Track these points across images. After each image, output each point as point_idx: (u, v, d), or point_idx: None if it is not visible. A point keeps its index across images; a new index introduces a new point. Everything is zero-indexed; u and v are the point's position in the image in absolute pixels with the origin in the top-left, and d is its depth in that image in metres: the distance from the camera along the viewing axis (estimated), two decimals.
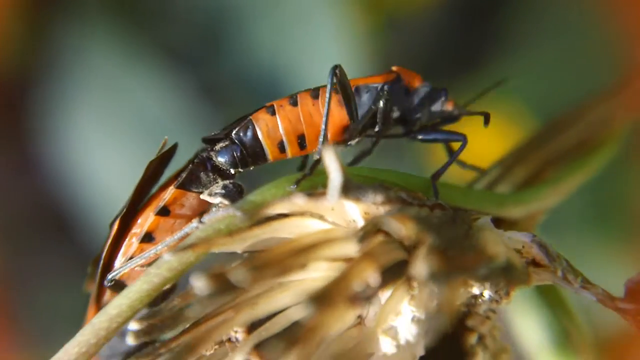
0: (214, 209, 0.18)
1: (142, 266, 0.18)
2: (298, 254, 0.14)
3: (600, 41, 0.55)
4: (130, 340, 0.16)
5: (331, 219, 0.17)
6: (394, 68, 0.21)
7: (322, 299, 0.12)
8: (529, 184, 0.23)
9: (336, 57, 0.49)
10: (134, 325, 0.16)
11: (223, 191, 0.19)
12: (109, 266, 0.19)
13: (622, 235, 0.50)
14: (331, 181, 0.15)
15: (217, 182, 0.19)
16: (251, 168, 0.20)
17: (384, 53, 0.52)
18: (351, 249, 0.16)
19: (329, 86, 0.18)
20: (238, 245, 0.17)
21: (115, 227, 0.19)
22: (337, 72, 0.18)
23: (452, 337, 0.16)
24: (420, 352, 0.15)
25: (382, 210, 0.16)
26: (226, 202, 0.18)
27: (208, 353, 0.16)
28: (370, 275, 0.13)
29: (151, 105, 0.53)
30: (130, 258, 0.19)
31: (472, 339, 0.17)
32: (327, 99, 0.18)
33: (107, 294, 0.19)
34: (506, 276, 0.13)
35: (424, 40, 0.58)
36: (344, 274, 0.13)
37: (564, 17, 0.56)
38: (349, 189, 0.15)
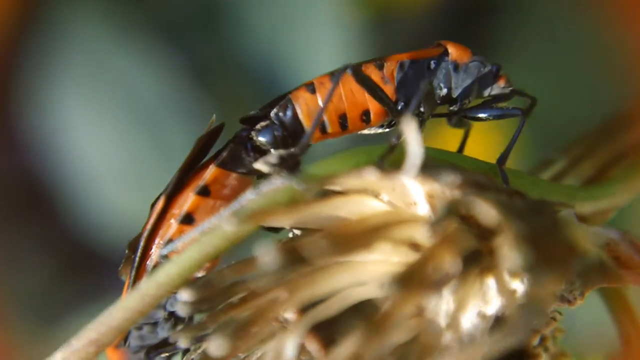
0: (271, 178, 0.17)
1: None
2: (369, 233, 0.13)
3: (592, 51, 0.53)
4: (180, 312, 0.15)
5: (390, 198, 0.16)
6: (442, 42, 0.19)
7: (404, 282, 0.11)
8: (597, 178, 0.21)
9: (332, 47, 0.49)
10: (185, 295, 0.15)
11: (279, 160, 0.18)
12: (147, 249, 0.18)
13: None
14: (411, 155, 0.13)
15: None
16: (291, 149, 0.19)
17: (376, 47, 0.51)
18: (419, 233, 0.15)
19: (334, 83, 0.17)
20: (295, 218, 0.16)
21: (159, 206, 0.18)
22: (348, 71, 0.17)
23: None
24: (484, 350, 0.14)
25: (449, 194, 0.15)
26: (282, 170, 0.17)
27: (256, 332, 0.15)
28: (450, 262, 0.12)
29: (140, 85, 0.52)
30: (170, 240, 0.18)
31: (535, 340, 0.16)
32: (326, 97, 0.18)
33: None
34: (599, 274, 0.12)
35: (414, 39, 0.57)
36: (426, 258, 0.12)
37: (556, 26, 0.55)
38: (427, 166, 0.14)
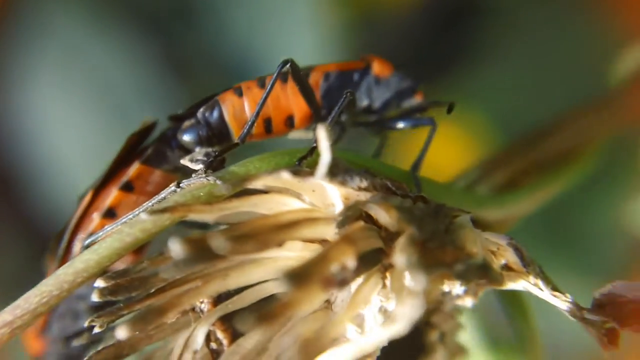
0: (194, 175, 0.18)
1: None
2: (278, 230, 0.14)
3: (574, 52, 0.55)
4: (95, 297, 0.15)
5: (310, 199, 0.17)
6: (367, 56, 0.21)
7: (299, 276, 0.12)
8: (507, 188, 0.23)
9: (308, 47, 0.49)
10: (100, 282, 0.15)
11: (205, 158, 0.18)
12: (71, 241, 0.18)
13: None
14: (321, 159, 0.14)
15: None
16: (215, 148, 0.20)
17: (355, 48, 0.52)
18: (329, 231, 0.16)
19: (272, 78, 0.18)
20: (215, 214, 0.17)
21: (86, 200, 0.18)
22: (288, 67, 0.18)
23: (414, 331, 0.16)
24: (384, 342, 0.15)
25: (363, 196, 0.16)
26: (206, 167, 0.18)
27: (171, 320, 0.16)
28: (348, 259, 0.13)
29: (114, 74, 0.51)
30: (91, 234, 0.18)
31: (434, 335, 0.17)
32: (265, 92, 0.18)
33: None
34: (481, 275, 0.13)
35: (396, 40, 0.58)
36: (322, 255, 0.13)
37: (536, 33, 0.56)
38: (337, 170, 0.15)
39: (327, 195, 0.17)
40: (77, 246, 0.18)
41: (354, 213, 0.14)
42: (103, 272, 0.16)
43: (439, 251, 0.13)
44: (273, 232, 0.14)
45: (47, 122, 0.52)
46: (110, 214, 0.18)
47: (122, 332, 0.13)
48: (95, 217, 0.18)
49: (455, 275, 0.13)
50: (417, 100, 0.20)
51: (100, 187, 0.19)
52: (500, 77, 0.55)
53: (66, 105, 0.52)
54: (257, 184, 0.16)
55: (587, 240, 0.51)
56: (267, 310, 0.12)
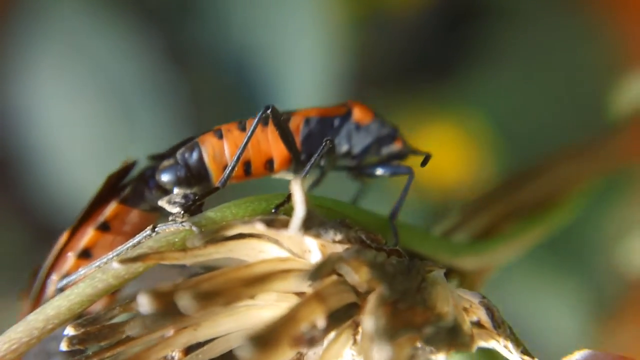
0: (170, 218, 0.18)
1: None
2: (249, 284, 0.14)
3: (579, 55, 0.56)
4: (64, 346, 0.15)
5: (287, 245, 0.17)
6: (349, 102, 0.21)
7: (266, 339, 0.12)
8: (487, 234, 0.23)
9: (312, 43, 0.49)
10: (70, 330, 0.15)
11: (183, 201, 0.18)
12: (45, 280, 0.18)
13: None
14: (295, 214, 0.15)
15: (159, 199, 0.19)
16: (193, 189, 0.20)
17: (358, 47, 0.52)
18: (303, 284, 0.16)
19: (253, 124, 0.18)
20: (190, 260, 0.17)
21: (62, 239, 0.18)
22: (269, 112, 0.18)
23: None
24: None
25: (339, 247, 0.16)
26: (184, 211, 0.18)
27: None
28: (318, 318, 0.13)
29: (114, 65, 0.52)
30: (66, 274, 0.18)
31: None
32: (246, 137, 0.18)
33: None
34: (451, 339, 0.13)
35: (401, 41, 0.58)
36: (291, 315, 0.13)
37: (540, 37, 0.57)
38: (312, 223, 0.15)
39: (303, 242, 0.17)
40: (51, 286, 0.18)
41: (326, 268, 0.14)
42: (75, 318, 0.16)
43: (408, 312, 0.13)
44: (244, 286, 0.14)
45: (48, 112, 0.52)
46: (86, 255, 0.18)
47: None
48: (70, 257, 0.18)
49: (424, 340, 0.13)
50: (396, 147, 0.21)
51: (77, 227, 0.18)
52: (502, 80, 0.56)
53: (67, 97, 0.52)
54: (232, 232, 0.16)
55: (580, 277, 0.51)
56: None
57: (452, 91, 0.56)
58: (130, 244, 0.17)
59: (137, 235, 0.17)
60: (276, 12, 0.51)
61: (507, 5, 0.59)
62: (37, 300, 0.18)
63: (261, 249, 0.17)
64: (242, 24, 0.52)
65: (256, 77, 0.51)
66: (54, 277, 0.18)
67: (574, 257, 0.51)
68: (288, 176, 0.21)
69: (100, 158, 0.52)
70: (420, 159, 0.20)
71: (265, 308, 0.17)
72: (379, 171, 0.20)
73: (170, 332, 0.16)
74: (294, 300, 0.17)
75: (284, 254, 0.17)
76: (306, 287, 0.16)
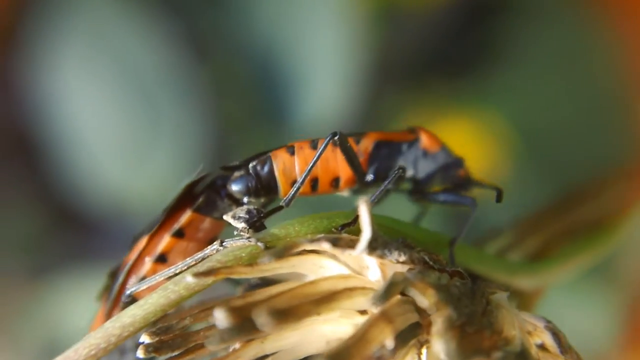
0: (235, 233, 0.19)
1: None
2: (319, 303, 0.14)
3: (597, 53, 0.55)
4: (140, 354, 0.16)
5: (346, 261, 0.18)
6: (417, 129, 0.21)
7: (341, 357, 0.12)
8: (541, 254, 0.23)
9: (332, 37, 0.50)
10: (145, 338, 0.16)
11: (247, 216, 0.19)
12: (125, 282, 0.19)
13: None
14: (362, 236, 0.15)
15: (231, 208, 0.20)
16: (262, 200, 0.21)
17: (377, 43, 0.52)
18: (366, 303, 0.16)
19: (319, 150, 0.19)
20: (256, 275, 0.17)
21: (142, 244, 0.19)
22: (335, 139, 0.19)
23: None
24: None
25: (399, 265, 0.17)
26: (248, 227, 0.19)
27: None
28: (387, 339, 0.14)
29: (138, 54, 0.53)
30: (143, 277, 0.19)
31: None
32: (312, 162, 0.19)
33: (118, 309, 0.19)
34: None
35: (419, 37, 0.58)
36: (361, 335, 0.13)
37: (557, 38, 0.56)
38: (377, 244, 0.15)
39: (362, 259, 0.17)
40: (129, 288, 0.19)
41: (392, 290, 0.14)
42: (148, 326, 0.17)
43: (476, 336, 0.13)
44: (314, 304, 0.14)
45: (73, 98, 0.53)
46: (162, 259, 0.19)
47: None
48: (148, 262, 0.19)
49: None
50: (461, 177, 0.21)
51: (154, 233, 0.19)
52: (519, 78, 0.55)
53: (92, 84, 0.53)
54: (297, 249, 0.17)
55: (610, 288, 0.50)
56: None
57: (470, 88, 0.56)
58: (199, 256, 0.18)
59: (206, 249, 0.18)
60: (299, 5, 0.51)
61: (526, 3, 0.59)
62: (117, 301, 0.19)
63: (321, 264, 0.18)
64: (265, 16, 0.52)
65: (278, 69, 0.52)
66: (134, 278, 0.19)
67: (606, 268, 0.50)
68: (347, 193, 0.22)
69: (121, 145, 0.53)
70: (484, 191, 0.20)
71: (326, 322, 0.17)
72: (442, 199, 0.20)
73: (237, 344, 0.17)
74: (355, 317, 0.17)
75: (343, 269, 0.18)
76: (369, 305, 0.17)
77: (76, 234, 0.60)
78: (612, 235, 0.25)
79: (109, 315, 0.20)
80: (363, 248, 0.15)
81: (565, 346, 0.14)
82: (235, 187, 0.20)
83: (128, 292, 0.19)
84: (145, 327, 0.17)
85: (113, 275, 0.20)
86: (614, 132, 0.55)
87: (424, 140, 0.21)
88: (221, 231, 0.21)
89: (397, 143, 0.21)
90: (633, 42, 0.56)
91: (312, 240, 0.16)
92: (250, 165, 0.20)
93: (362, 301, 0.16)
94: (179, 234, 0.19)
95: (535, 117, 0.54)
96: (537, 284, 0.21)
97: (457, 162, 0.21)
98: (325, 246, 0.16)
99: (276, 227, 0.18)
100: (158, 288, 0.17)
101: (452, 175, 0.21)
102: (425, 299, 0.14)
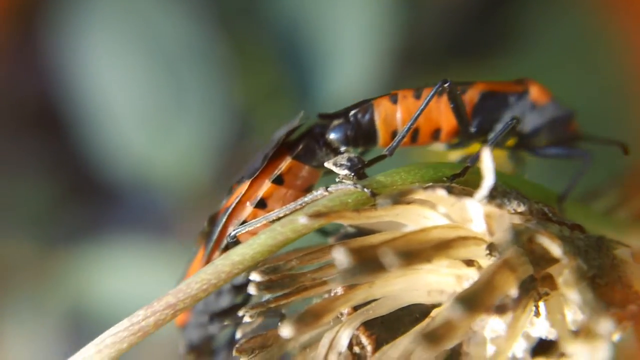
0: (337, 179, 0.18)
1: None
2: (439, 248, 0.14)
3: (606, 57, 0.53)
4: (252, 291, 0.16)
5: (448, 212, 0.17)
6: (526, 80, 0.20)
7: (469, 302, 0.12)
8: None
9: (355, 18, 0.49)
10: (257, 276, 0.16)
11: (349, 163, 0.19)
12: (226, 226, 0.19)
13: None
14: (484, 183, 0.15)
15: (329, 157, 0.20)
16: (359, 149, 0.20)
17: (400, 26, 0.51)
18: (479, 252, 0.16)
19: (427, 98, 0.18)
20: (361, 221, 0.17)
21: (243, 189, 0.19)
22: (445, 86, 0.18)
23: None
24: None
25: (506, 219, 0.16)
26: (351, 174, 0.18)
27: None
28: (511, 287, 0.13)
29: (163, 27, 0.53)
30: (244, 222, 0.19)
31: None
32: (422, 106, 0.18)
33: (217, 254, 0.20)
34: None
35: (440, 21, 0.57)
36: (488, 281, 0.13)
37: (578, 26, 0.54)
38: (496, 193, 0.15)
39: (465, 211, 0.17)
40: (230, 230, 0.20)
41: (518, 239, 0.14)
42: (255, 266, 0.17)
43: (608, 289, 0.13)
44: (433, 250, 0.14)
45: (97, 69, 0.54)
46: (262, 205, 0.19)
47: (286, 331, 0.14)
48: (249, 207, 0.19)
49: (628, 315, 0.12)
50: (571, 130, 0.20)
51: (255, 179, 0.20)
52: (538, 65, 0.53)
53: (117, 55, 0.54)
54: (408, 197, 0.17)
55: None
56: (431, 329, 0.12)
57: (487, 72, 0.53)
58: (304, 200, 0.18)
59: (311, 196, 0.18)
60: None
61: None
62: (217, 244, 0.20)
63: (425, 214, 0.17)
64: (295, 2, 0.51)
65: (302, 45, 0.51)
66: (235, 221, 0.19)
67: None
68: (442, 148, 0.21)
69: (145, 117, 0.54)
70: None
71: (431, 272, 0.17)
72: (554, 152, 0.20)
73: (340, 289, 0.17)
74: (461, 268, 0.17)
75: (444, 221, 0.17)
76: (477, 256, 0.16)
77: (98, 204, 0.61)
78: None
79: (209, 258, 0.20)
80: (485, 195, 0.14)
81: None
82: (334, 135, 0.20)
83: (233, 233, 0.19)
84: (252, 266, 0.17)
85: (212, 221, 0.20)
86: (628, 123, 0.53)
87: (533, 91, 0.20)
88: (318, 180, 0.21)
89: (505, 94, 0.20)
90: None
91: (426, 188, 0.16)
92: (351, 113, 0.20)
93: (476, 250, 0.16)
94: (279, 181, 0.19)
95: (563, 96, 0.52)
96: None
97: (567, 115, 0.20)
98: (441, 193, 0.15)
99: (382, 175, 0.18)
100: (266, 229, 0.17)
101: (562, 129, 0.20)
102: (556, 246, 0.14)
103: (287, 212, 0.18)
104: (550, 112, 0.20)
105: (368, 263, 0.13)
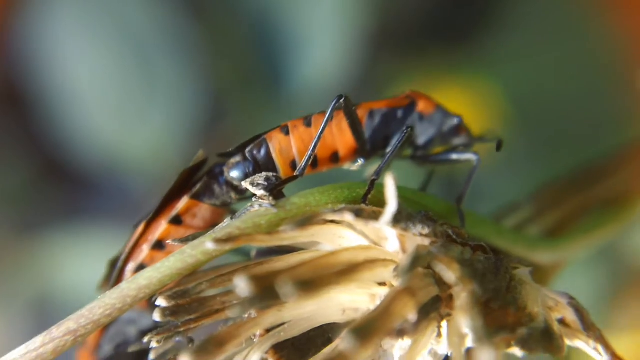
0: (254, 199, 0.18)
1: None
2: (342, 274, 0.14)
3: (585, 37, 0.55)
4: (157, 317, 0.16)
5: (364, 231, 0.17)
6: (410, 93, 0.21)
7: (363, 332, 0.12)
8: (558, 230, 0.23)
9: (331, 2, 0.49)
10: (162, 302, 0.16)
11: (265, 183, 0.19)
12: (122, 269, 0.19)
13: None
14: (387, 209, 0.15)
15: (229, 195, 0.20)
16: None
17: (377, 8, 0.51)
18: (387, 275, 0.16)
19: (328, 112, 0.19)
20: (274, 243, 0.17)
21: (139, 231, 0.19)
22: (341, 101, 0.19)
23: None
24: None
25: (418, 238, 0.16)
26: (267, 194, 0.18)
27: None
28: (410, 312, 0.13)
29: (134, 12, 0.52)
30: (141, 265, 0.19)
31: None
32: (322, 126, 0.19)
33: None
34: (545, 341, 0.13)
35: (418, 3, 0.58)
36: (385, 308, 0.13)
37: (555, 8, 0.56)
38: (401, 217, 0.15)
39: (381, 230, 0.17)
40: (128, 274, 0.19)
41: (417, 265, 0.14)
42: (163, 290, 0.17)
43: (501, 312, 0.13)
44: (335, 276, 0.14)
45: (67, 52, 0.53)
46: (159, 246, 0.19)
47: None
48: (145, 249, 0.19)
49: (518, 342, 0.13)
50: (461, 135, 0.20)
51: (151, 220, 0.19)
52: (515, 47, 0.55)
53: (85, 39, 0.53)
54: (318, 218, 0.17)
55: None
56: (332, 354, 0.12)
57: (465, 55, 0.55)
58: (220, 227, 0.17)
59: (225, 221, 0.17)
60: None
61: None
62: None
63: (340, 234, 0.18)
64: None
65: (274, 31, 0.51)
66: (130, 267, 0.19)
67: None
68: (353, 167, 0.21)
69: (115, 102, 0.53)
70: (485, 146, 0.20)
71: (344, 292, 0.17)
72: (444, 158, 0.20)
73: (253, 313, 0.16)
74: (372, 287, 0.17)
75: (361, 240, 0.18)
76: (388, 277, 0.16)
77: (69, 189, 0.60)
78: (629, 213, 0.25)
79: None
80: (387, 220, 0.15)
81: (589, 323, 0.14)
82: (233, 174, 0.20)
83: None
84: (159, 290, 0.17)
85: (113, 264, 0.20)
86: (608, 101, 0.55)
87: (419, 103, 0.20)
88: (220, 219, 0.20)
89: (392, 109, 0.20)
90: (629, 11, 0.55)
91: (335, 211, 0.16)
92: (247, 150, 0.20)
93: (383, 273, 0.16)
94: (177, 221, 0.19)
95: (529, 85, 0.54)
96: (556, 259, 0.21)
97: (455, 122, 0.20)
98: (348, 217, 0.15)
99: (296, 196, 0.18)
100: (175, 252, 0.17)
101: (452, 134, 0.20)
102: (451, 273, 0.14)
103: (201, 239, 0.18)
104: (438, 120, 0.20)
105: (268, 293, 0.13)
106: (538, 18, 0.56)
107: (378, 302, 0.17)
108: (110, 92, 0.53)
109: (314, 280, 0.13)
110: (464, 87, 0.53)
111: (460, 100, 0.53)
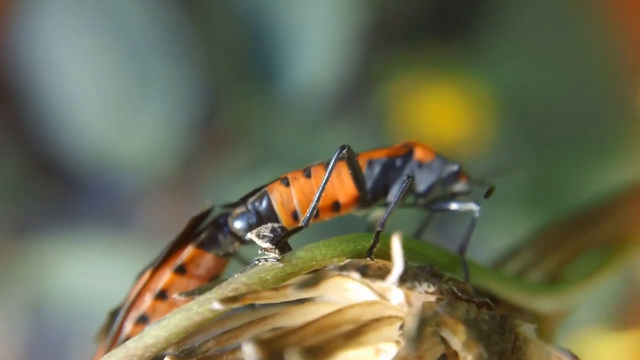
0: (260, 252, 0.18)
1: None
2: (349, 338, 0.14)
3: (580, 37, 0.55)
4: None
5: (370, 284, 0.18)
6: (409, 142, 0.21)
7: None
8: (559, 274, 0.23)
9: (327, 4, 0.49)
10: None
11: (271, 235, 0.19)
12: (124, 320, 0.19)
13: None
14: (394, 270, 0.15)
15: (233, 245, 0.20)
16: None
17: (372, 5, 0.51)
18: (393, 333, 0.16)
19: (331, 164, 0.19)
20: (281, 299, 0.17)
21: (144, 279, 0.19)
22: (344, 152, 0.19)
23: None
24: None
25: (423, 296, 0.16)
26: (273, 246, 0.18)
27: None
28: None
29: (127, 12, 0.52)
30: (143, 315, 0.19)
31: None
32: (325, 177, 0.19)
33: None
34: None
35: (414, 3, 0.58)
36: None
37: (550, 6, 0.56)
38: (407, 276, 0.15)
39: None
40: (129, 325, 0.19)
41: (424, 329, 0.14)
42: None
43: None
44: (342, 340, 0.14)
45: (59, 50, 0.52)
46: (162, 296, 0.19)
47: None
48: (147, 299, 0.19)
49: None
50: (460, 183, 0.21)
51: (156, 268, 0.19)
52: (509, 45, 0.55)
53: (76, 36, 0.52)
54: (326, 275, 0.17)
55: None
56: None
57: (461, 52, 0.55)
58: (225, 285, 0.17)
59: (232, 278, 0.17)
60: None
61: None
62: (115, 339, 0.19)
63: (345, 287, 0.18)
64: None
65: (269, 28, 0.51)
66: (133, 315, 0.19)
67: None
68: (358, 214, 0.21)
69: (107, 101, 0.53)
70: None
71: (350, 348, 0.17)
72: (446, 208, 0.20)
73: None
74: (380, 343, 0.17)
75: (366, 292, 0.18)
76: (395, 336, 0.17)
77: (60, 190, 0.59)
78: (631, 254, 0.25)
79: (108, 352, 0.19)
80: (394, 281, 0.15)
81: None
82: (237, 225, 0.20)
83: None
84: (166, 348, 0.17)
85: (113, 315, 0.20)
86: (600, 98, 0.55)
87: (417, 151, 0.21)
88: (224, 270, 0.20)
89: (391, 159, 0.20)
90: (625, 10, 0.55)
91: (341, 268, 0.16)
92: (249, 202, 0.20)
93: (389, 332, 0.16)
94: (181, 270, 0.19)
95: (522, 82, 0.54)
96: (559, 307, 0.21)
97: (454, 167, 0.21)
98: (355, 276, 0.16)
99: (302, 250, 0.18)
100: (181, 308, 0.17)
101: (452, 181, 0.21)
102: (456, 338, 0.14)
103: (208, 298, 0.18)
104: (437, 167, 0.21)
105: (274, 358, 0.13)
106: (534, 16, 0.56)
107: (383, 357, 0.17)
108: (103, 90, 0.52)
109: (321, 346, 0.14)
110: (459, 85, 0.53)
111: (455, 96, 0.53)
